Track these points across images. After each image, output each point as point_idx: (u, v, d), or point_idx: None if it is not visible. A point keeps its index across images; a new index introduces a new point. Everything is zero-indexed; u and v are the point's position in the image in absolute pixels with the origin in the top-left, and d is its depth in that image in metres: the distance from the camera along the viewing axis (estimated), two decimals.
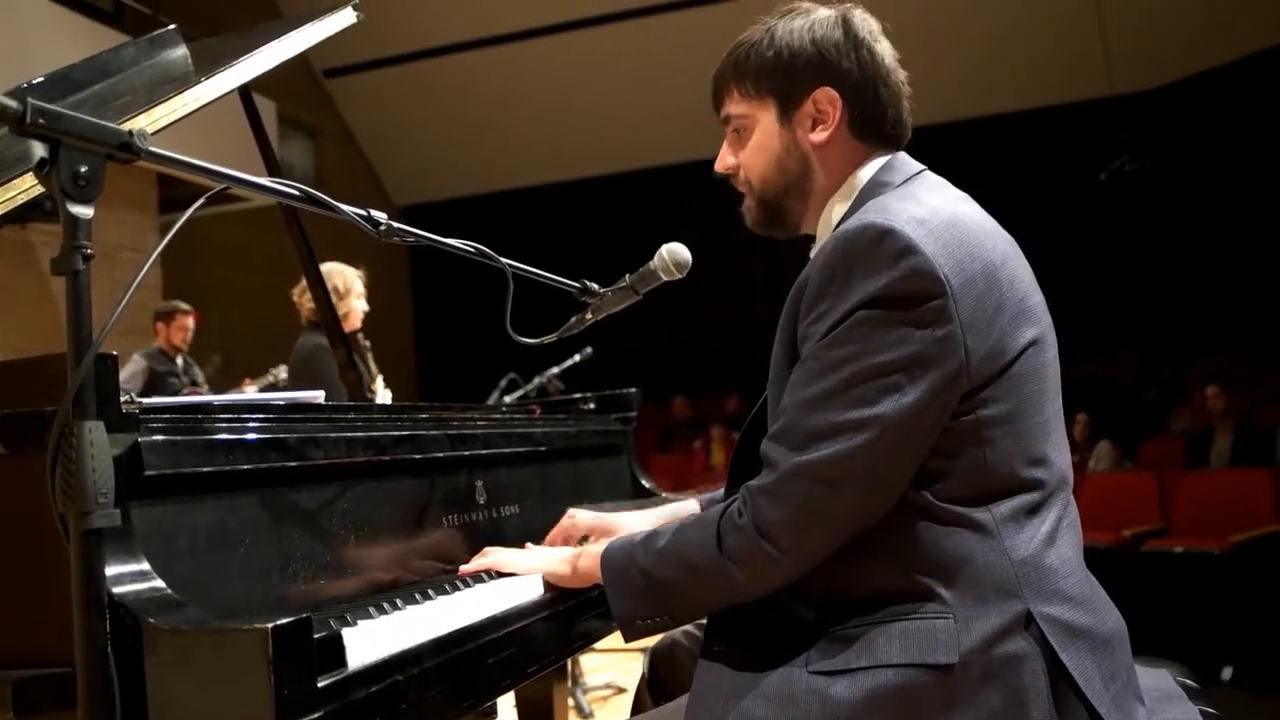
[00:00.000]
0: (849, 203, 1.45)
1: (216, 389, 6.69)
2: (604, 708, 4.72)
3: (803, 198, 1.51)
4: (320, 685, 1.08)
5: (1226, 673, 4.99)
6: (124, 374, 5.17)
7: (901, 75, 1.48)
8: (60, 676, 1.12)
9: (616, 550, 1.46)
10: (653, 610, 1.42)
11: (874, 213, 1.32)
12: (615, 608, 1.44)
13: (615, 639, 1.86)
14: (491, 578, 1.66)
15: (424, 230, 1.66)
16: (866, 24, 1.47)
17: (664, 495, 2.50)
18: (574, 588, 1.61)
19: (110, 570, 1.10)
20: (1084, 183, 11.11)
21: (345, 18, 2.25)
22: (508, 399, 4.43)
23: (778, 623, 1.38)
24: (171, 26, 2.29)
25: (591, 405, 2.56)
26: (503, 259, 1.76)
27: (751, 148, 1.52)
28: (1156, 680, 1.49)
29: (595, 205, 13.08)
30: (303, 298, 4.46)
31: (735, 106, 1.52)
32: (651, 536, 1.43)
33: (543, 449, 2.11)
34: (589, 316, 1.93)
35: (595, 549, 1.53)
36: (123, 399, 1.19)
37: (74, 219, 1.03)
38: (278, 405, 1.50)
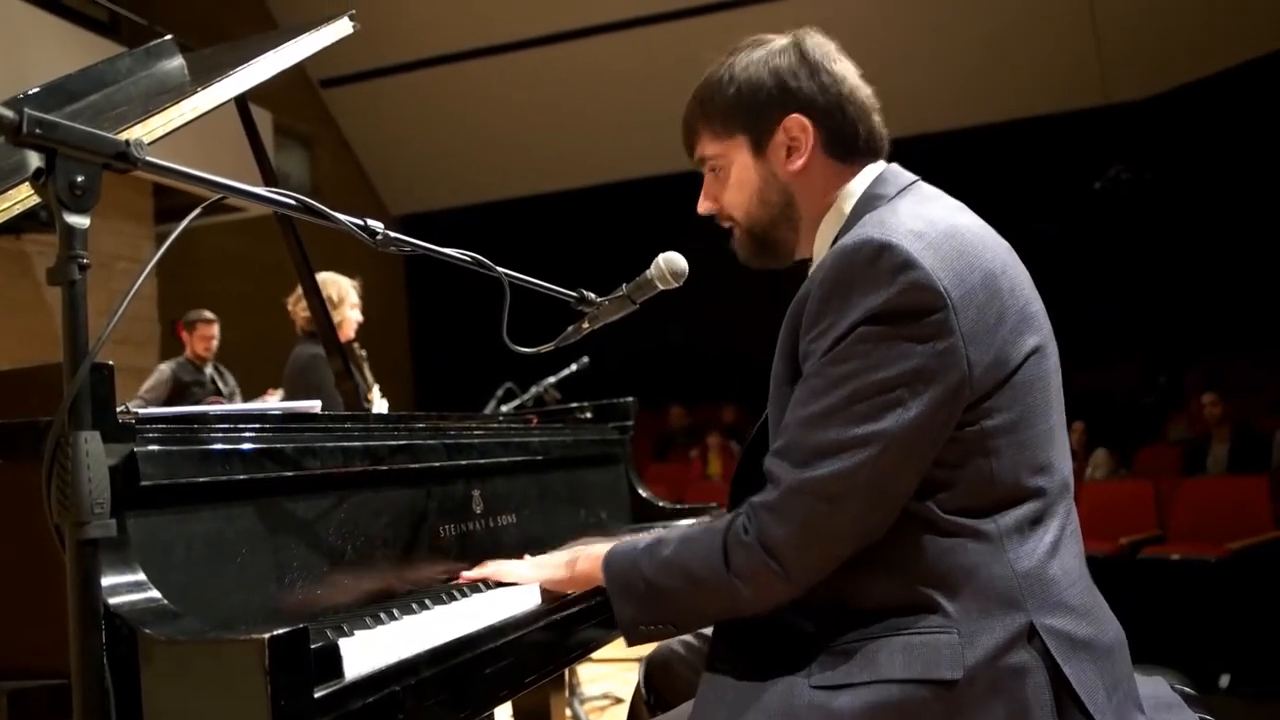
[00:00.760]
0: (842, 220, 1.45)
1: (251, 396, 6.62)
2: (601, 718, 4.70)
3: (792, 226, 1.51)
4: (317, 696, 1.08)
5: (1224, 680, 4.98)
6: (148, 383, 5.17)
7: (866, 90, 1.49)
8: (56, 687, 1.12)
9: (620, 555, 1.46)
10: (654, 617, 1.42)
11: (871, 227, 1.32)
12: (618, 612, 1.44)
13: (613, 649, 1.86)
14: (489, 587, 1.65)
15: (420, 240, 1.66)
16: (821, 47, 1.48)
17: (662, 505, 2.50)
18: (572, 591, 1.61)
19: (106, 581, 1.10)
20: (1079, 191, 11.14)
21: (341, 28, 2.25)
22: (504, 408, 4.42)
23: (781, 635, 1.38)
24: (168, 37, 2.29)
25: (588, 415, 2.56)
26: (499, 268, 1.76)
27: (732, 186, 1.52)
28: (1155, 688, 1.49)
29: (592, 214, 13.09)
30: (297, 307, 4.45)
31: (708, 148, 1.53)
32: (656, 544, 1.43)
33: (539, 458, 2.11)
34: (586, 326, 1.93)
35: (593, 551, 1.53)
36: (119, 409, 1.19)
37: (70, 229, 1.03)
38: (274, 415, 1.49)
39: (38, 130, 1.01)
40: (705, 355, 12.73)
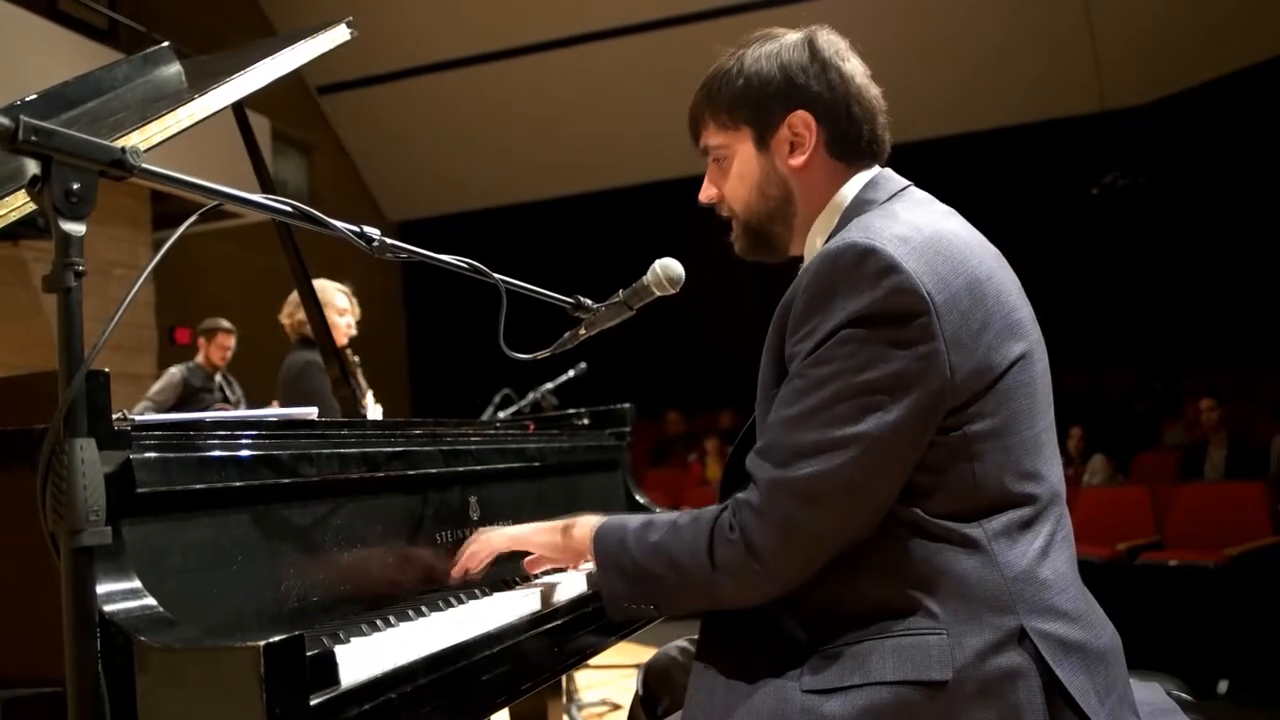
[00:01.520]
0: (834, 222, 1.46)
1: (259, 405, 6.64)
2: None
3: (787, 222, 1.52)
4: (313, 703, 1.08)
5: (1222, 686, 4.98)
6: (158, 386, 5.21)
7: (875, 90, 1.49)
8: (51, 695, 1.12)
9: (611, 530, 1.48)
10: (638, 596, 1.44)
11: (856, 232, 1.33)
12: (603, 586, 1.46)
13: (610, 656, 1.86)
14: (485, 593, 1.65)
15: (417, 246, 1.66)
16: (832, 44, 1.48)
17: (658, 511, 2.50)
18: (562, 557, 1.65)
19: (101, 588, 1.10)
20: (1075, 197, 11.16)
21: (339, 35, 2.26)
22: (502, 414, 4.42)
23: (771, 637, 1.38)
24: (165, 44, 2.29)
25: (586, 421, 2.56)
26: (496, 274, 1.76)
27: (733, 177, 1.53)
28: (1151, 694, 1.49)
29: (589, 221, 13.11)
30: (291, 317, 4.47)
31: (713, 138, 1.54)
32: (647, 526, 1.44)
33: (536, 465, 2.11)
34: (582, 332, 1.94)
35: (587, 520, 1.54)
36: (115, 416, 1.19)
37: (66, 236, 1.03)
38: (270, 422, 1.49)
39: (34, 137, 1.01)
40: (702, 361, 12.73)
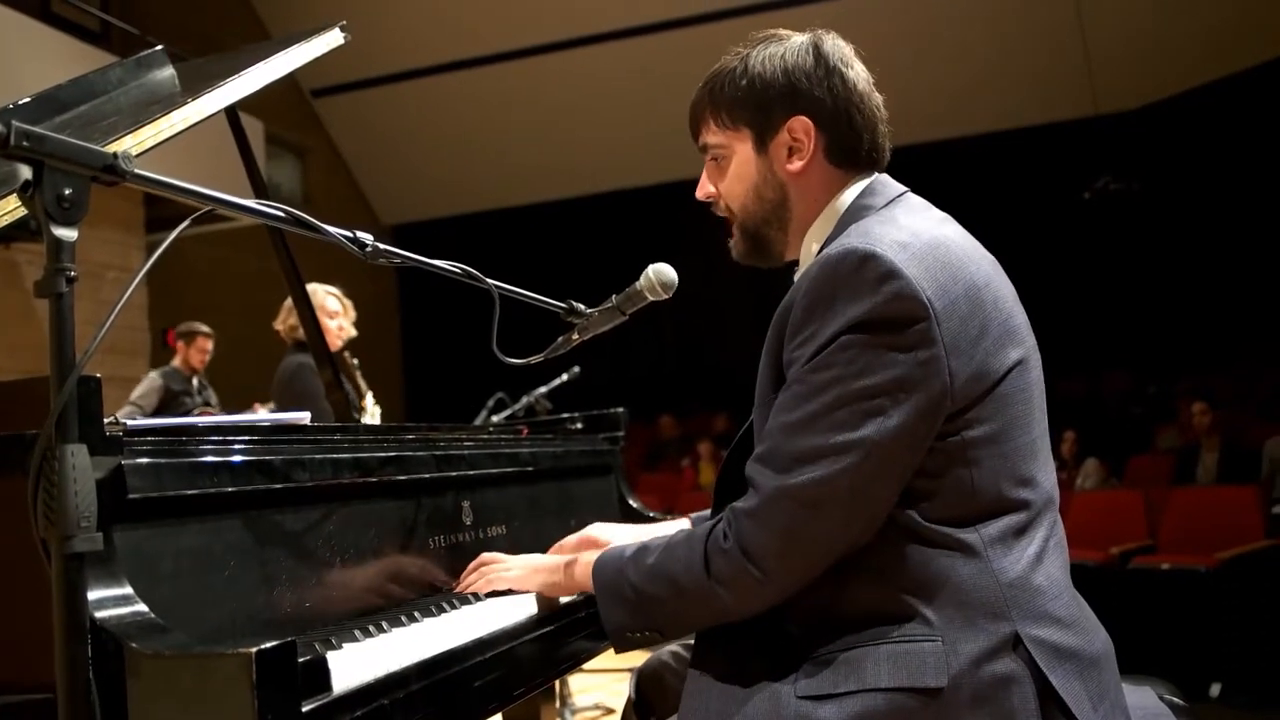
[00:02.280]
0: (831, 228, 1.46)
1: (236, 409, 6.66)
2: None
3: (783, 226, 1.52)
4: (304, 710, 1.08)
5: (1215, 689, 4.99)
6: (139, 390, 5.21)
7: (877, 99, 1.49)
8: (41, 702, 1.11)
9: (608, 561, 1.47)
10: (642, 624, 1.43)
11: (856, 237, 1.33)
12: (606, 619, 1.44)
13: (604, 660, 1.85)
14: (478, 599, 1.65)
15: (411, 250, 1.66)
16: (838, 50, 1.48)
17: (652, 515, 2.50)
18: (567, 595, 1.63)
19: (92, 594, 1.09)
20: (1068, 201, 11.18)
21: (332, 39, 2.26)
22: (495, 419, 4.42)
23: (766, 642, 1.38)
24: (159, 47, 2.29)
25: (579, 425, 2.56)
26: (489, 280, 1.76)
27: (730, 177, 1.53)
28: (1142, 698, 1.49)
29: (583, 225, 13.10)
30: (285, 323, 4.48)
31: (712, 136, 1.53)
32: (642, 551, 1.44)
33: (530, 469, 2.11)
34: (575, 337, 1.93)
35: (588, 556, 1.53)
36: (107, 421, 1.19)
37: (57, 241, 1.03)
38: (262, 427, 1.49)
39: (25, 143, 1.01)
40: (696, 365, 12.74)
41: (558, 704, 4.35)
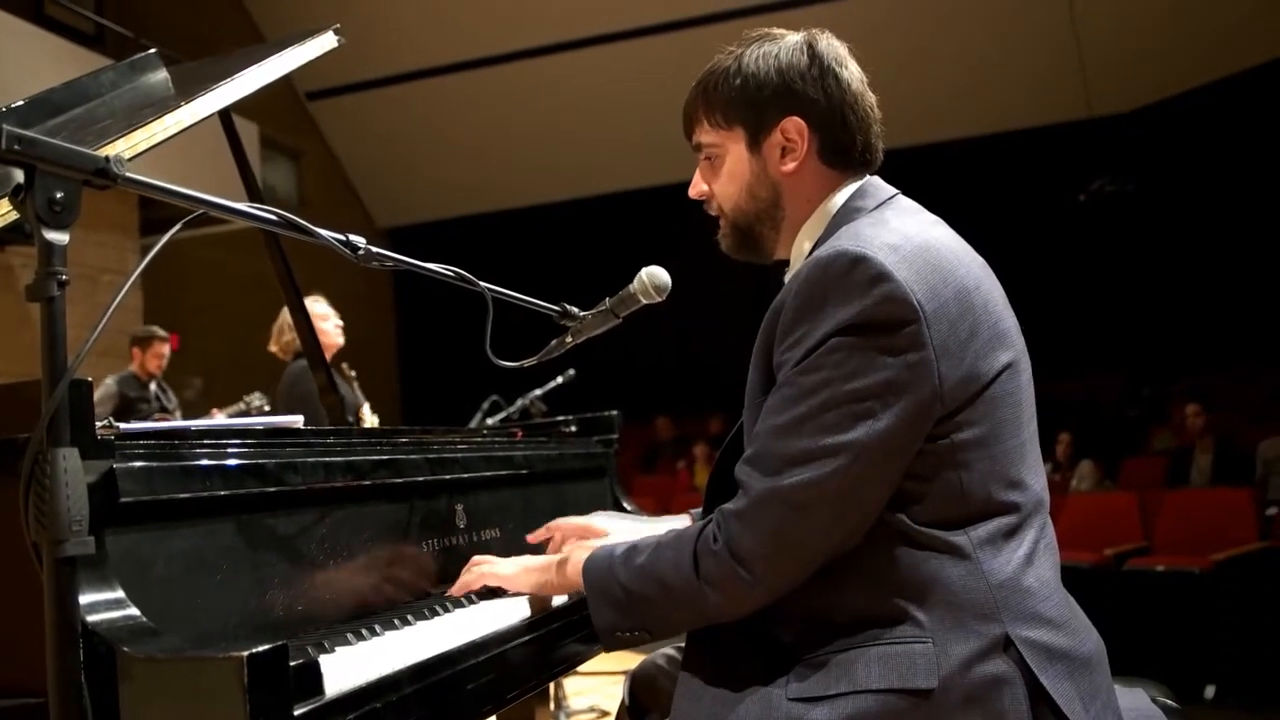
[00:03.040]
0: (822, 229, 1.46)
1: (196, 414, 6.68)
2: None
3: (774, 225, 1.52)
4: (297, 713, 1.08)
5: (1209, 691, 5.00)
6: (95, 397, 5.22)
7: (870, 99, 1.49)
8: (33, 707, 1.11)
9: (598, 560, 1.47)
10: (631, 624, 1.43)
11: (847, 239, 1.33)
12: (596, 618, 1.44)
13: (598, 663, 1.85)
14: (471, 601, 1.65)
15: (406, 252, 1.66)
16: (832, 49, 1.47)
17: (645, 517, 2.50)
18: (558, 595, 1.62)
19: (84, 598, 1.09)
20: (1062, 204, 11.19)
21: (326, 42, 2.26)
22: (490, 421, 4.42)
23: (757, 644, 1.38)
24: (152, 50, 2.29)
25: (573, 428, 2.56)
26: (482, 283, 1.76)
27: (723, 176, 1.53)
28: (1135, 700, 1.50)
29: (577, 228, 13.10)
30: (279, 341, 4.54)
31: (705, 136, 1.53)
32: (632, 551, 1.44)
33: (523, 472, 2.11)
34: (569, 340, 1.93)
35: (580, 555, 1.53)
36: (99, 424, 1.19)
37: (49, 245, 1.03)
38: (256, 430, 1.49)
39: (17, 146, 1.01)
40: (691, 367, 12.73)
41: (552, 707, 4.35)
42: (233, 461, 1.38)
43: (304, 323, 2.42)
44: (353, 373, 4.82)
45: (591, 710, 4.85)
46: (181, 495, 1.28)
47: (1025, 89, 10.84)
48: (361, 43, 9.48)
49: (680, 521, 1.92)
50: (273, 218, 1.40)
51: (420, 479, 1.74)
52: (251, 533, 1.38)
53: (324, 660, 1.17)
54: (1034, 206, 11.27)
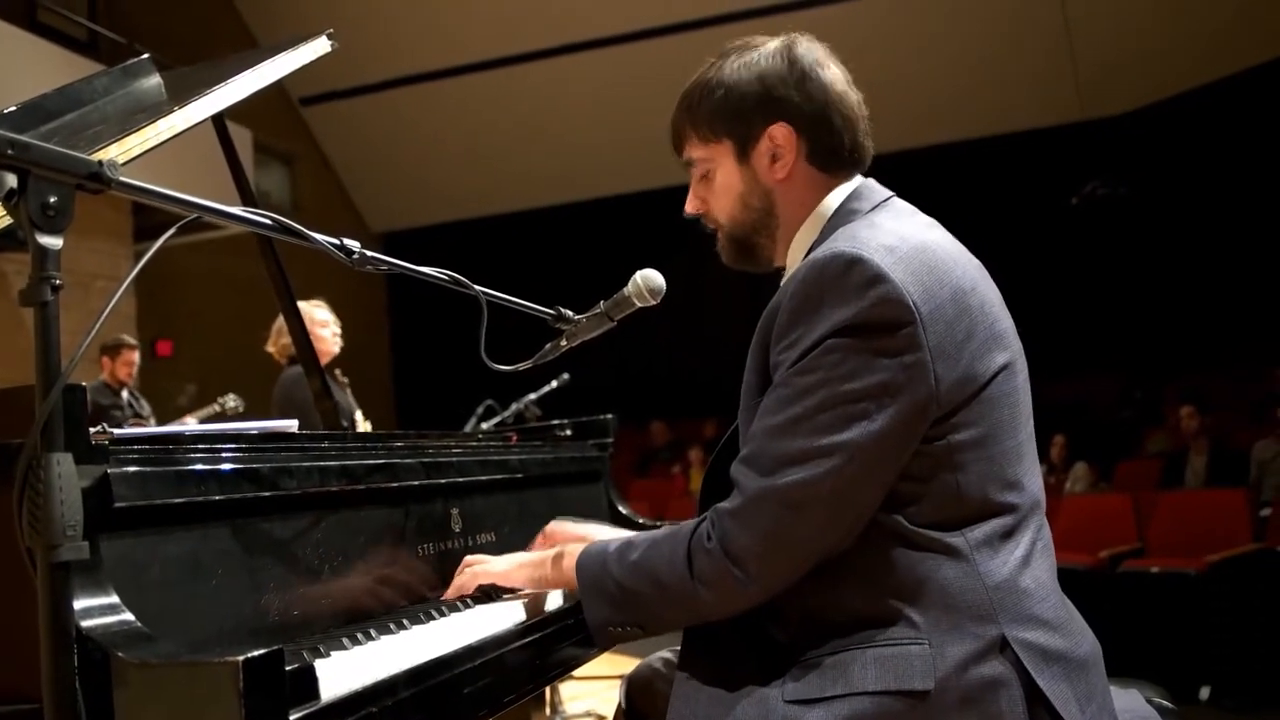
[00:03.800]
0: (817, 231, 1.47)
1: (169, 421, 6.67)
2: None
3: (770, 233, 1.52)
4: (292, 718, 1.07)
5: (1204, 692, 5.01)
6: None
7: (854, 97, 1.48)
8: (27, 713, 1.11)
9: (592, 555, 1.47)
10: (624, 619, 1.43)
11: (843, 241, 1.33)
12: (589, 613, 1.45)
13: (595, 667, 1.85)
14: (467, 605, 1.65)
15: (401, 257, 1.66)
16: (811, 53, 1.47)
17: (642, 521, 2.50)
18: (552, 589, 1.64)
19: (78, 604, 1.09)
20: (1056, 207, 11.22)
21: (320, 47, 2.25)
22: (485, 425, 4.42)
23: (754, 645, 1.39)
24: (145, 56, 2.28)
25: (568, 432, 2.56)
26: (476, 286, 1.76)
27: (717, 189, 1.53)
28: (1130, 701, 1.50)
29: (571, 231, 13.11)
30: (276, 343, 4.54)
31: (695, 151, 1.53)
32: (626, 547, 1.44)
33: (519, 476, 2.11)
34: (564, 343, 1.93)
35: (574, 549, 1.53)
36: (93, 430, 1.18)
37: (43, 250, 1.02)
38: (250, 435, 1.49)
39: (10, 151, 1.01)
40: (686, 371, 12.73)
41: (548, 711, 4.34)
42: (227, 466, 1.37)
43: (298, 328, 2.41)
44: (346, 379, 4.82)
45: (588, 715, 4.84)
46: (176, 500, 1.28)
47: (1018, 92, 10.87)
48: (355, 48, 9.48)
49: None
50: (267, 222, 1.39)
51: (415, 483, 1.74)
52: (246, 537, 1.38)
53: (320, 665, 1.16)
54: (1028, 209, 11.30)
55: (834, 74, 1.47)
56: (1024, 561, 1.32)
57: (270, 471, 1.43)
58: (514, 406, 4.50)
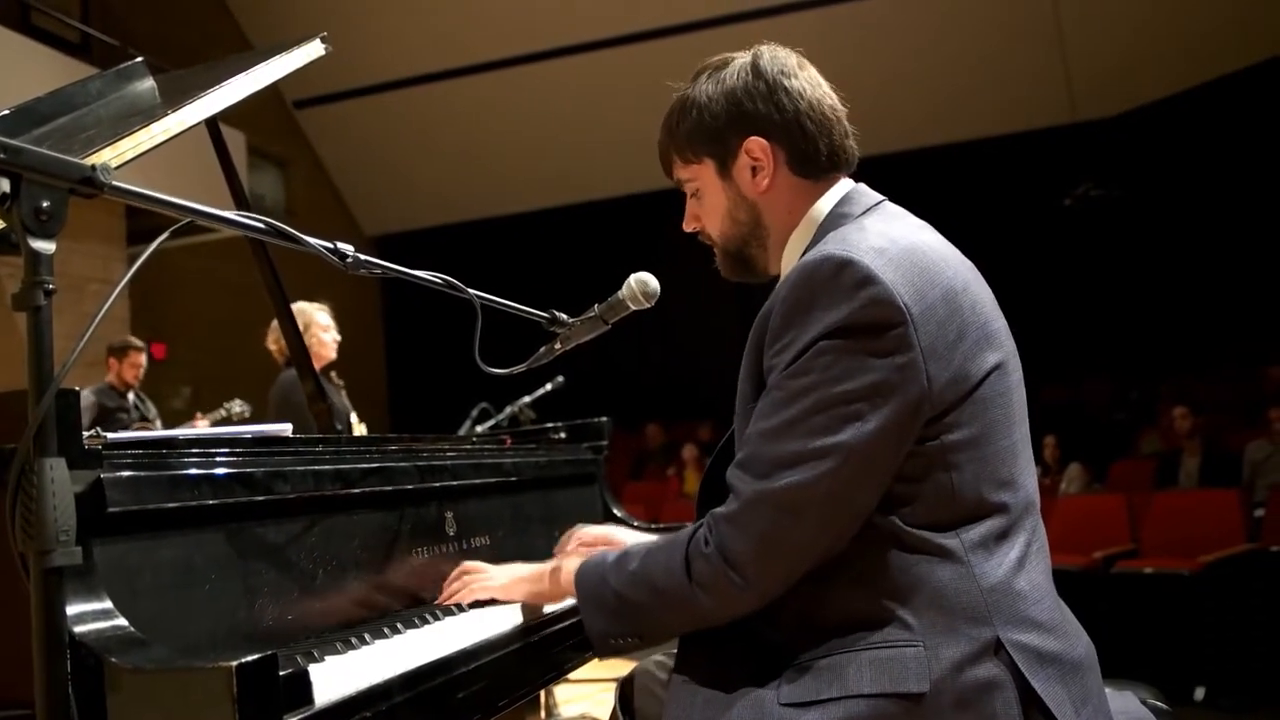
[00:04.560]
0: (810, 237, 1.48)
1: (180, 422, 6.66)
2: None
3: (761, 243, 1.54)
4: None
5: (1199, 693, 5.01)
6: None
7: (829, 101, 1.50)
8: (20, 718, 1.10)
9: (590, 568, 1.47)
10: (624, 630, 1.43)
11: (833, 244, 1.34)
12: (589, 626, 1.44)
13: (589, 670, 1.85)
14: (462, 610, 1.64)
15: (394, 260, 1.66)
16: (776, 63, 1.49)
17: (637, 524, 2.50)
18: (551, 604, 1.63)
19: (71, 609, 1.09)
20: (1049, 209, 11.24)
21: (313, 50, 2.25)
22: (479, 429, 4.42)
23: (749, 646, 1.39)
24: (139, 59, 2.28)
25: (562, 435, 2.56)
26: (470, 290, 1.76)
27: (707, 207, 1.56)
28: (1125, 703, 1.50)
29: (565, 234, 13.11)
30: (278, 343, 4.53)
31: (681, 172, 1.57)
32: (624, 557, 1.44)
33: (513, 479, 2.11)
34: (558, 346, 1.94)
35: (572, 563, 1.53)
36: (87, 434, 1.18)
37: (36, 254, 1.02)
38: (244, 439, 1.48)
39: (2, 155, 1.00)
40: (681, 374, 12.73)
41: (543, 714, 4.34)
42: (221, 470, 1.37)
43: (291, 331, 2.41)
44: (341, 382, 4.81)
45: (582, 718, 4.83)
46: (169, 505, 1.27)
47: (1010, 95, 10.89)
48: (348, 51, 9.48)
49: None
50: (260, 226, 1.39)
51: (410, 487, 1.74)
52: (240, 542, 1.38)
53: (314, 669, 1.16)
54: (1021, 211, 11.32)
55: (802, 82, 1.49)
56: (1019, 564, 1.32)
57: (264, 476, 1.43)
58: (508, 410, 4.49)
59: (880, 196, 1.50)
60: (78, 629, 1.09)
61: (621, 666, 1.66)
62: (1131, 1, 9.81)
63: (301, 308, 4.40)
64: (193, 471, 1.33)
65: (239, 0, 11.62)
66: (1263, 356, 9.29)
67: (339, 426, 2.56)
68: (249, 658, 1.01)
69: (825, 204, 1.49)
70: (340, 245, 1.49)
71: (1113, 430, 9.70)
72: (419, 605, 1.69)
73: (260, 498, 1.41)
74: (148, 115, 1.84)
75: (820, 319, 1.28)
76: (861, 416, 1.26)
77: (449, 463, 1.90)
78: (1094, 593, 5.30)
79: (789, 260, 1.51)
